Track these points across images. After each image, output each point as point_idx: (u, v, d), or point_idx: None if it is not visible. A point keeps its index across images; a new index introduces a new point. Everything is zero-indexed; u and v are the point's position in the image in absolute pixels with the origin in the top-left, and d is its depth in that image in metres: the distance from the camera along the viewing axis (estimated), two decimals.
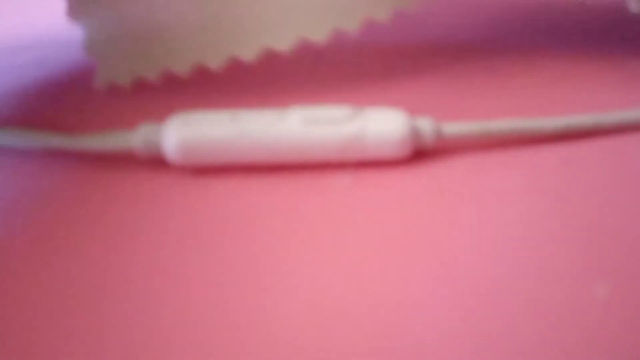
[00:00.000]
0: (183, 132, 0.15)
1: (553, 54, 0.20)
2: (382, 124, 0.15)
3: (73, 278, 0.13)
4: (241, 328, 0.11)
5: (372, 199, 0.14)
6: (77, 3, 0.17)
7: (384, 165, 0.15)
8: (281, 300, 0.12)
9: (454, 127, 0.16)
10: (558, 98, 0.18)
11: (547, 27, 0.22)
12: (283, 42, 0.17)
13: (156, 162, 0.16)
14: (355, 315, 0.12)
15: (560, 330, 0.11)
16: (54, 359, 0.11)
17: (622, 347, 0.11)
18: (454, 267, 0.13)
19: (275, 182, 0.15)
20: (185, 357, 0.11)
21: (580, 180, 0.15)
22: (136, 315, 0.12)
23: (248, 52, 0.17)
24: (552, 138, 0.16)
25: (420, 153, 0.15)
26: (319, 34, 0.17)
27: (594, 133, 0.16)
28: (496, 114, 0.17)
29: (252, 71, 0.20)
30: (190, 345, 0.11)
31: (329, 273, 0.13)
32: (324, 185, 0.14)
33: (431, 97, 0.18)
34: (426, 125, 0.15)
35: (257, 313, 0.12)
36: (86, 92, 0.19)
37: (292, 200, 0.14)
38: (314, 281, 0.12)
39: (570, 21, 0.22)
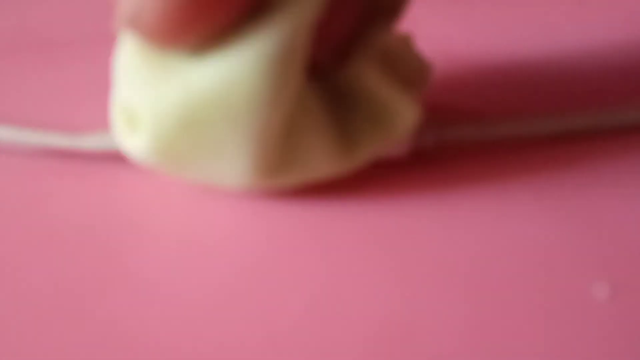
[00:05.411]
0: None
1: (552, 54, 0.20)
2: None
3: (72, 278, 0.13)
4: (241, 326, 0.11)
5: (372, 199, 0.14)
6: None
7: (384, 165, 0.15)
8: (281, 299, 0.12)
9: (454, 128, 0.16)
10: (558, 98, 0.18)
11: (545, 26, 0.22)
12: None
13: None
14: (355, 315, 0.12)
15: (560, 330, 0.11)
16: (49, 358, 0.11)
17: (622, 347, 0.11)
18: (454, 267, 0.13)
19: None
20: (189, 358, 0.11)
21: (581, 180, 0.15)
22: (136, 315, 0.12)
23: None
24: (552, 138, 0.16)
25: (420, 153, 0.15)
26: None
27: (593, 133, 0.16)
28: (496, 114, 0.17)
29: None
30: (192, 345, 0.11)
31: (329, 273, 0.13)
32: (323, 185, 0.14)
33: (431, 98, 0.18)
34: (426, 125, 0.15)
35: (257, 312, 0.12)
36: (86, 92, 0.19)
37: (292, 200, 0.14)
38: (314, 281, 0.12)
39: (569, 21, 0.22)
